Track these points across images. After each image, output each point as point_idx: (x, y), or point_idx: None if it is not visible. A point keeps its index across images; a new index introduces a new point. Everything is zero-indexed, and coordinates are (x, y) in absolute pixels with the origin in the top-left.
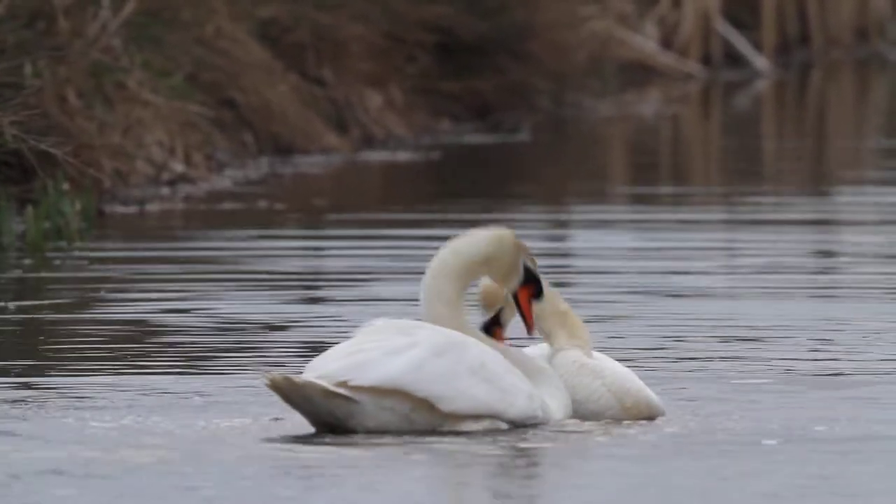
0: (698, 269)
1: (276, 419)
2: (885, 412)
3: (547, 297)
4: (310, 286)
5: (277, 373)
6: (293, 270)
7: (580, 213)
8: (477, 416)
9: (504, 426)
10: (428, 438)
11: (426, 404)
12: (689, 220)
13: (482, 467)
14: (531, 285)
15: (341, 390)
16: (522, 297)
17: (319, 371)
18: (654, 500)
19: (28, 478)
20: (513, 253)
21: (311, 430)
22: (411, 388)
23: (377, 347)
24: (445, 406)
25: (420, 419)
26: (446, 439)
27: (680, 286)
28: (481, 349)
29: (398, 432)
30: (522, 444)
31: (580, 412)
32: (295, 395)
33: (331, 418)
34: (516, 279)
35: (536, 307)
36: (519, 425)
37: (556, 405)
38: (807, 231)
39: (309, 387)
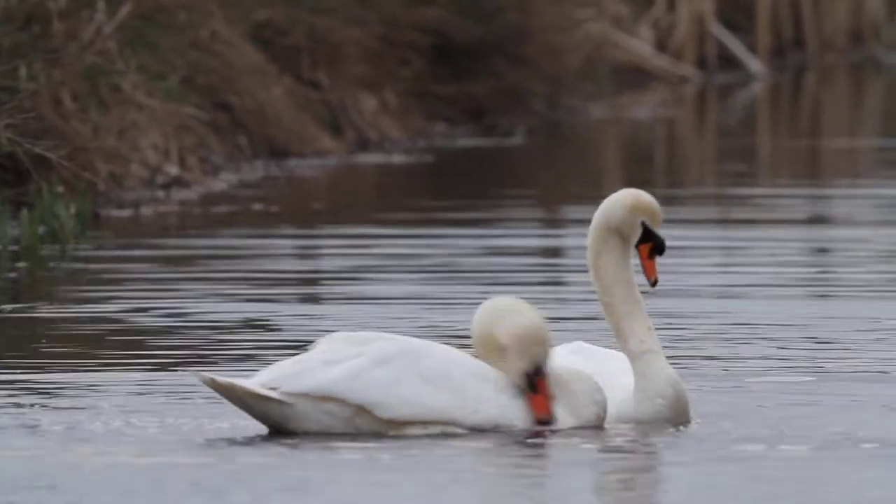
0: (692, 267)
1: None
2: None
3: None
4: (304, 287)
5: (209, 374)
6: (287, 271)
7: (574, 214)
8: (424, 423)
9: (460, 431)
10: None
11: (366, 410)
12: (684, 220)
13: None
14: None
15: (267, 392)
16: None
17: (261, 377)
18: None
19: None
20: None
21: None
22: (344, 396)
23: (320, 357)
24: (382, 413)
25: (364, 424)
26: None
27: (674, 285)
28: (446, 358)
29: (360, 436)
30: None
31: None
32: (227, 396)
33: (269, 420)
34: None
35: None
36: (488, 431)
37: (565, 412)
38: (801, 229)
39: (235, 388)
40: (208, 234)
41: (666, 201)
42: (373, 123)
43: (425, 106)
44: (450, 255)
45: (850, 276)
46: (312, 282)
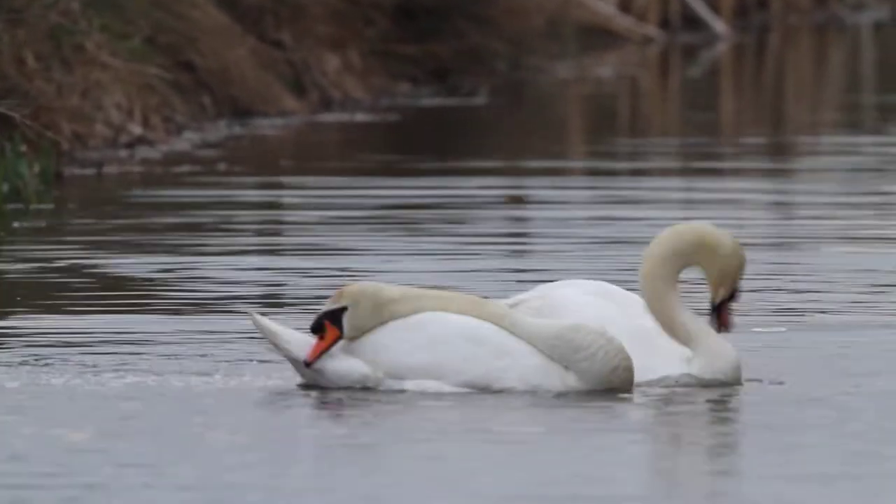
0: (654, 219)
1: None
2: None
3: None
4: (267, 243)
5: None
6: (250, 226)
7: (536, 172)
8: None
9: (448, 389)
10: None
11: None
12: (644, 170)
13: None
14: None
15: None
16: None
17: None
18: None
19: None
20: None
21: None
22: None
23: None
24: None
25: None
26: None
27: (635, 235)
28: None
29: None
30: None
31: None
32: (271, 342)
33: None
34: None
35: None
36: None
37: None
38: (762, 181)
39: (278, 341)
40: (171, 192)
41: (629, 156)
42: (336, 83)
43: (389, 66)
44: (412, 206)
45: (809, 227)
46: (275, 238)
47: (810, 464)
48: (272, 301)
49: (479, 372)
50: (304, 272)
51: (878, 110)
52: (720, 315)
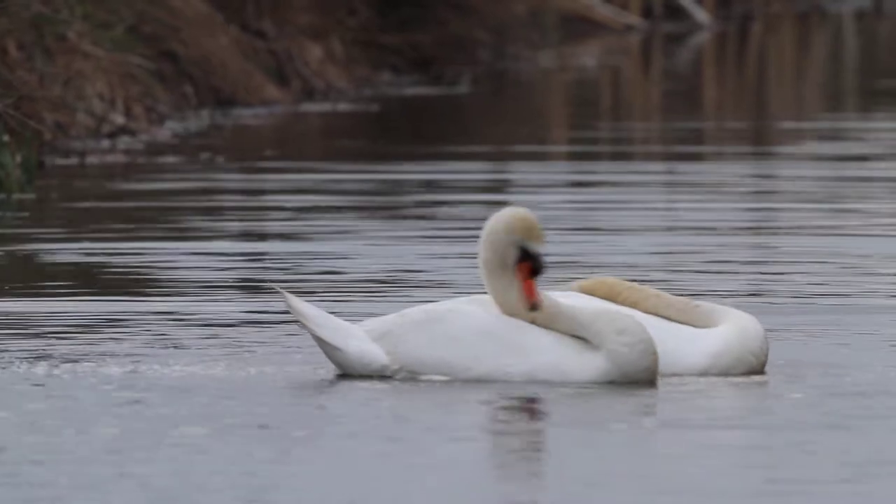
0: (636, 204)
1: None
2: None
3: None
4: (249, 230)
5: (293, 297)
6: (233, 213)
7: (519, 160)
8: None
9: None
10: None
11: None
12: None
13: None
14: (527, 262)
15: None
16: (519, 275)
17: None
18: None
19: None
20: (504, 231)
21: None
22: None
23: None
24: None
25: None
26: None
27: (615, 223)
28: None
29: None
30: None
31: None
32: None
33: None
34: (511, 258)
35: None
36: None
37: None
38: (744, 166)
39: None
40: (153, 181)
41: (612, 142)
42: (318, 72)
43: (371, 55)
44: (393, 192)
45: (789, 214)
46: (257, 224)
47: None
48: (253, 285)
49: (485, 369)
50: (285, 257)
51: (861, 95)
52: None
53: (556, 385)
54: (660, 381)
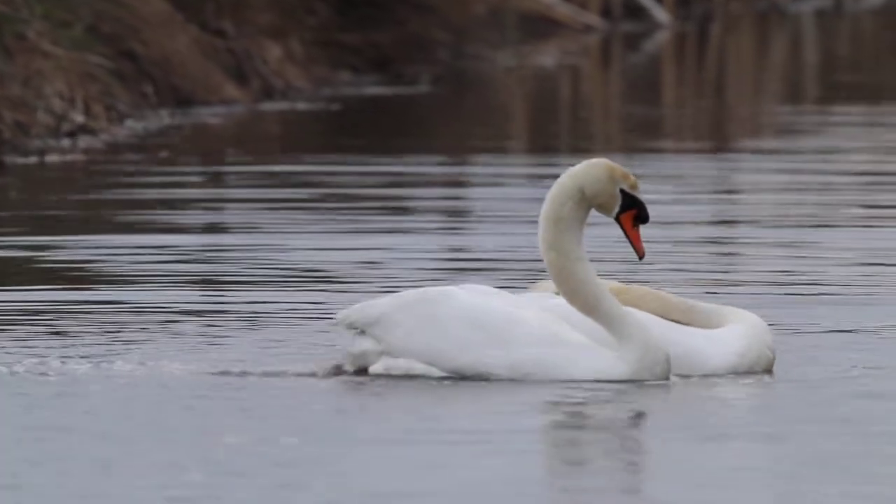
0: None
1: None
2: None
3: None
4: (209, 230)
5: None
6: (193, 212)
7: (478, 163)
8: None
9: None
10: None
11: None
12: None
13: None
14: (633, 210)
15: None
16: (626, 224)
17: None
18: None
19: None
20: (605, 180)
21: None
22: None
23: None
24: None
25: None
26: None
27: None
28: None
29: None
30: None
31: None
32: None
33: None
34: (616, 206)
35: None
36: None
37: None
38: (706, 167)
39: None
40: (113, 181)
41: (571, 141)
42: (278, 72)
43: (330, 54)
44: (353, 186)
45: (750, 208)
46: (218, 218)
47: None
48: (215, 278)
49: (468, 360)
50: (246, 248)
51: (821, 91)
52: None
53: (541, 382)
54: (689, 382)
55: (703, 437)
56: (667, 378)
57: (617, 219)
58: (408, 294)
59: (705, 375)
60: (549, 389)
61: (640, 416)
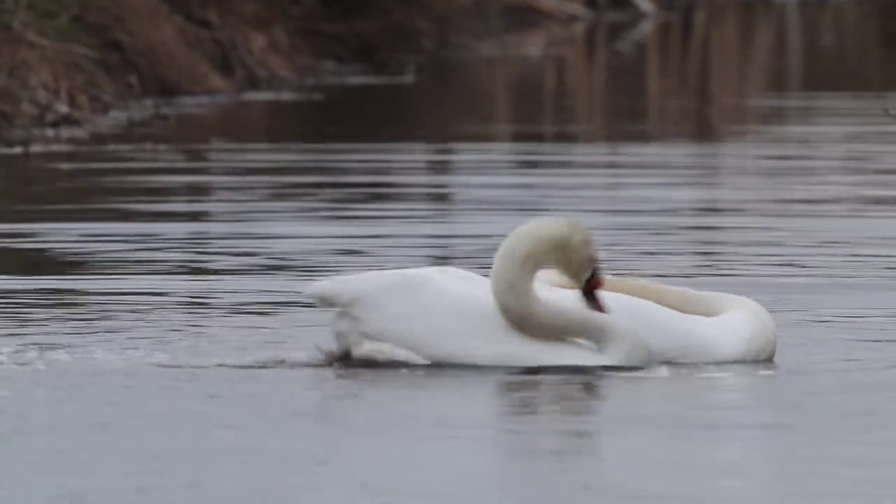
0: (581, 185)
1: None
2: None
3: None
4: (193, 218)
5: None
6: (177, 200)
7: (463, 152)
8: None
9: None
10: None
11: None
12: (572, 161)
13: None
14: (596, 276)
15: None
16: (595, 289)
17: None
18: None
19: None
20: (587, 243)
21: None
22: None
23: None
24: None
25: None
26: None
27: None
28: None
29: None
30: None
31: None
32: None
33: None
34: (587, 271)
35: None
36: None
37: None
38: (690, 152)
39: None
40: (98, 171)
41: (557, 137)
42: (262, 62)
43: (314, 44)
44: (338, 173)
45: (734, 193)
46: (203, 207)
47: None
48: (198, 266)
49: (452, 349)
50: (229, 236)
51: (805, 81)
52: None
53: (530, 370)
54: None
55: (699, 427)
56: (649, 366)
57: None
58: (388, 275)
59: (712, 363)
60: (533, 378)
61: (629, 405)
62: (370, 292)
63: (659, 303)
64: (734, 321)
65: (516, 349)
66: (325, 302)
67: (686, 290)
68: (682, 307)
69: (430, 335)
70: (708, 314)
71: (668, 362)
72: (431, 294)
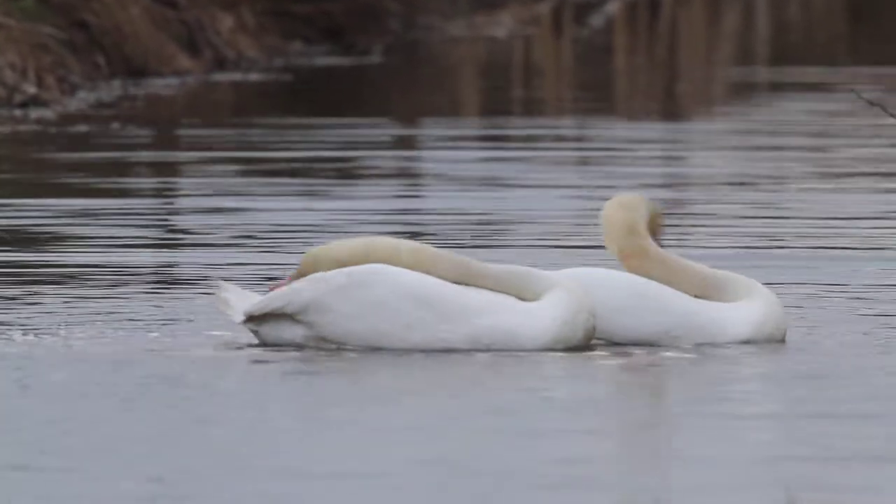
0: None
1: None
2: None
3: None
4: (160, 194)
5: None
6: (144, 179)
7: (430, 128)
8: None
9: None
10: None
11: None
12: (538, 136)
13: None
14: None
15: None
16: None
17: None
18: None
19: None
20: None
21: None
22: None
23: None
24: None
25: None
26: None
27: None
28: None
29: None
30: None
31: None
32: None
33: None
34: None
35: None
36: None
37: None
38: (657, 127)
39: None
40: (66, 151)
41: (525, 118)
42: (230, 42)
43: (282, 25)
44: (306, 152)
45: (701, 170)
46: (172, 182)
47: None
48: (167, 241)
49: (421, 337)
50: (199, 211)
51: (770, 64)
52: None
53: (502, 350)
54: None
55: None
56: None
57: None
58: (332, 277)
59: (721, 343)
60: (505, 359)
61: (628, 388)
62: (320, 297)
63: (668, 279)
64: (748, 305)
65: (488, 326)
66: (275, 314)
67: (704, 271)
68: (699, 290)
69: (396, 328)
70: (720, 298)
71: (673, 343)
72: (387, 288)
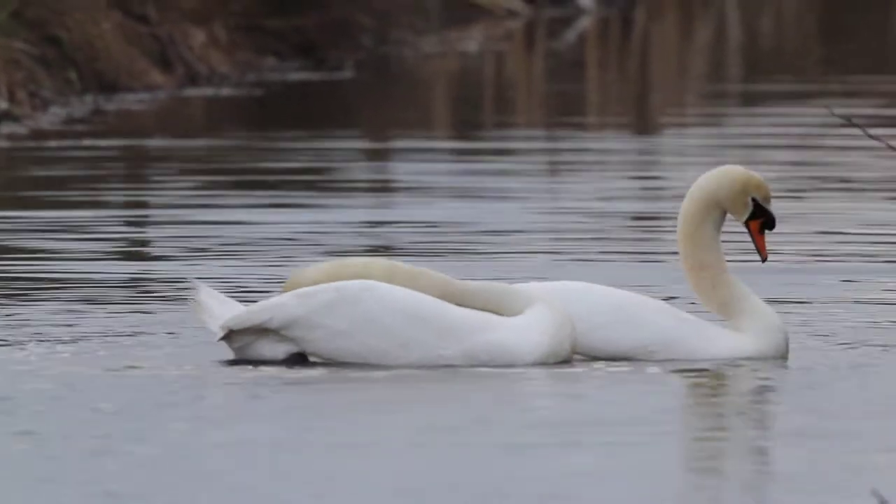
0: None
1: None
2: None
3: None
4: (131, 206)
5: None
6: (116, 192)
7: (402, 144)
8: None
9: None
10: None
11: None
12: (511, 149)
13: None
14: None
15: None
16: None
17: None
18: None
19: None
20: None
21: None
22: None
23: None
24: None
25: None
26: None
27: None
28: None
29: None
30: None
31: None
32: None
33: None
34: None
35: None
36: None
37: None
38: (630, 141)
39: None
40: (38, 167)
41: (496, 130)
42: (202, 57)
43: (254, 40)
44: (277, 166)
45: (676, 182)
46: (140, 189)
47: None
48: (138, 252)
49: (418, 355)
50: (171, 223)
51: (744, 75)
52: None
53: (498, 366)
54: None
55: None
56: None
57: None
58: (320, 292)
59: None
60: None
61: (619, 404)
62: (308, 313)
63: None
64: (748, 327)
65: (484, 342)
66: (260, 328)
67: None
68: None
69: (391, 346)
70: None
71: (650, 358)
72: (379, 305)
